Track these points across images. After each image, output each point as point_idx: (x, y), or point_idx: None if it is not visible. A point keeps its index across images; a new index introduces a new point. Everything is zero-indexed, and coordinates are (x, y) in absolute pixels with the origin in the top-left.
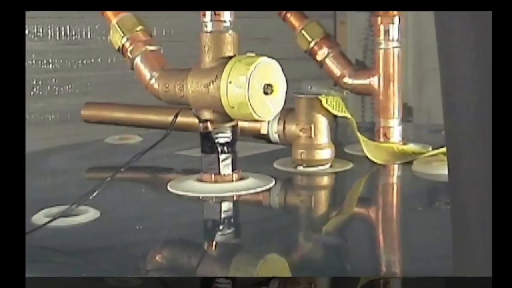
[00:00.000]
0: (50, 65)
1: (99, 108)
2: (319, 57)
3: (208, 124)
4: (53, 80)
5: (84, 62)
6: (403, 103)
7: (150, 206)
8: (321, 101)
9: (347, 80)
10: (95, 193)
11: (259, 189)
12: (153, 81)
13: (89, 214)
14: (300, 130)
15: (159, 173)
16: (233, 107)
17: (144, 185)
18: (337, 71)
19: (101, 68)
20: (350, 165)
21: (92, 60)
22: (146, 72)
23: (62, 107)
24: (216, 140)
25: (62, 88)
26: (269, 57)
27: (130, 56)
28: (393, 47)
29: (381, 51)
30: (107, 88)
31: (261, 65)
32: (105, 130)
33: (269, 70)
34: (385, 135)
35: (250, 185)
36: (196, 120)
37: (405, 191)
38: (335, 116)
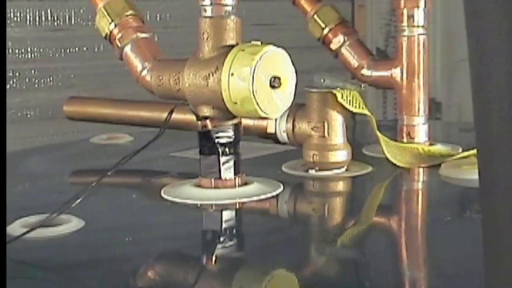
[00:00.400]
0: (29, 55)
1: (84, 104)
2: (334, 45)
3: (207, 121)
4: (32, 71)
5: (68, 51)
6: (429, 98)
7: (141, 214)
8: (335, 96)
9: (365, 72)
10: (79, 200)
11: (265, 196)
12: (145, 72)
13: (72, 223)
14: (312, 128)
15: (151, 177)
16: (236, 103)
17: (135, 191)
18: (354, 61)
19: (86, 58)
20: (368, 169)
21: (77, 49)
22: (137, 63)
23: (42, 102)
24: (216, 140)
25: (42, 81)
26: (277, 46)
27: (119, 44)
28: (418, 34)
29: (405, 39)
30: (93, 80)
31: (268, 55)
32: (91, 129)
33: (276, 60)
34: (408, 134)
35: (255, 191)
36: (194, 117)
37: (432, 198)
38: (352, 113)
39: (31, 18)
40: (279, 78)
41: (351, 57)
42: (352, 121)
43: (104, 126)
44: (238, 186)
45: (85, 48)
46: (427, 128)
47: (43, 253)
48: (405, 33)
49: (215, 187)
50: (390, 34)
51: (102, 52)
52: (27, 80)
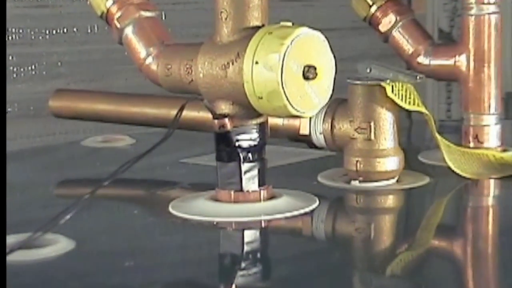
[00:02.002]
0: (7, 37)
1: (75, 98)
2: (383, 27)
3: (226, 121)
4: (10, 57)
5: (54, 32)
6: (502, 93)
7: (144, 234)
8: (385, 90)
9: (422, 59)
10: (68, 216)
11: (296, 213)
12: (149, 60)
13: (60, 245)
14: (355, 129)
15: (157, 188)
16: (261, 98)
17: (137, 206)
18: (408, 47)
19: (77, 41)
20: (425, 180)
21: (65, 30)
22: (140, 48)
23: (22, 97)
24: (237, 144)
25: (22, 70)
26: (312, 27)
27: (118, 25)
28: (489, 13)
29: (472, 19)
30: (85, 69)
31: (300, 39)
32: (83, 129)
33: (311, 46)
34: (476, 137)
35: (284, 207)
36: (209, 116)
37: (505, 218)
38: (406, 111)
39: None
40: (314, 68)
41: (405, 42)
42: (408, 120)
43: (98, 125)
44: (264, 200)
45: (75, 29)
46: (499, 130)
47: (24, 279)
48: (473, 11)
49: (235, 201)
50: (456, 13)
51: (96, 35)
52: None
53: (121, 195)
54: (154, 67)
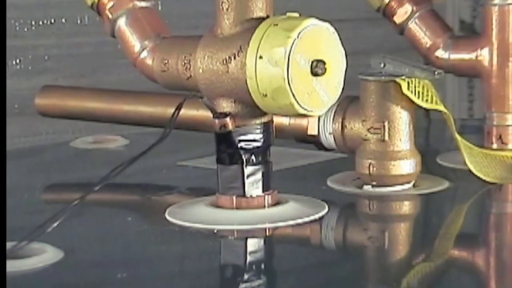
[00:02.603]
0: None
1: (63, 95)
2: (398, 18)
3: (228, 120)
4: None
5: (41, 23)
6: None
7: (139, 244)
8: (400, 86)
9: (441, 53)
10: (56, 224)
11: (304, 220)
12: (144, 54)
13: (47, 255)
14: (368, 129)
15: (153, 193)
16: (266, 95)
17: (131, 212)
18: (426, 39)
19: (65, 33)
20: (444, 185)
21: (53, 21)
22: (134, 41)
23: (7, 93)
24: (239, 145)
25: (6, 64)
26: (321, 19)
27: (110, 16)
28: None
29: (495, 9)
30: (75, 64)
31: (308, 32)
32: (72, 129)
33: (320, 38)
34: (500, 138)
35: (290, 214)
36: (209, 115)
37: None
38: (425, 110)
39: None
40: (323, 63)
41: (422, 34)
42: (426, 120)
43: (89, 125)
44: (268, 206)
45: (63, 20)
46: None
47: None
48: (496, 0)
49: (238, 208)
50: (479, 1)
51: (87, 26)
52: None
53: (114, 201)
54: (149, 61)
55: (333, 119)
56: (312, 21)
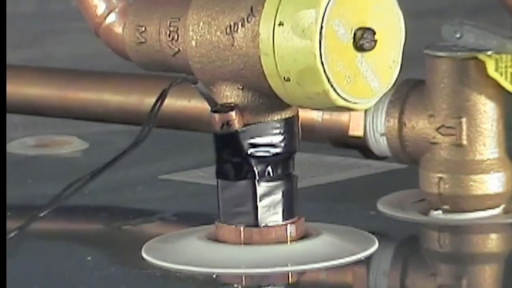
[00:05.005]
0: None
1: None
2: None
3: (233, 115)
4: None
5: None
6: None
7: None
8: (485, 66)
9: None
10: None
11: (344, 261)
12: (112, 18)
13: None
14: (438, 129)
15: (124, 221)
16: (288, 79)
17: (92, 248)
18: None
19: None
20: None
21: None
22: (96, 0)
23: None
24: (250, 151)
25: None
26: None
27: None
28: None
29: None
30: (8, 30)
31: None
32: (8, 125)
33: None
34: None
35: (323, 252)
36: (206, 107)
37: None
38: None
39: None
40: (372, 32)
41: None
42: None
43: (30, 120)
44: (292, 241)
45: None
46: None
47: None
48: None
49: (247, 243)
50: None
51: None
52: None
53: (66, 233)
54: (118, 29)
55: (387, 114)
56: None
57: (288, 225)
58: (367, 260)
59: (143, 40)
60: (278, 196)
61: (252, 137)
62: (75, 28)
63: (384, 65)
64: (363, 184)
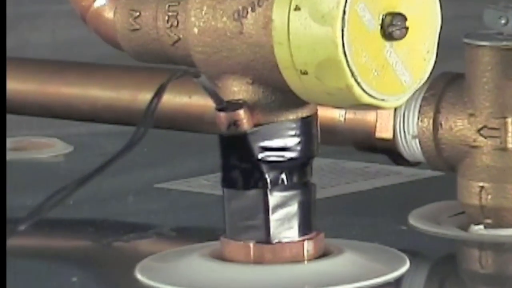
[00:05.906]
0: None
1: None
2: None
3: (241, 113)
4: None
5: None
6: None
7: None
8: None
9: None
10: None
11: (370, 283)
12: (101, 1)
13: None
14: (479, 130)
15: (115, 236)
16: (306, 72)
17: (78, 268)
18: None
19: None
20: None
21: None
22: None
23: None
24: (261, 156)
25: None
26: None
27: None
28: None
29: None
30: None
31: None
32: None
33: None
34: None
35: (346, 272)
36: (209, 104)
37: None
38: None
39: None
40: (403, 18)
41: None
42: None
43: (10, 120)
44: (310, 259)
45: None
46: None
47: None
48: None
49: (258, 262)
50: None
51: None
52: None
53: (49, 249)
54: (108, 13)
55: (420, 113)
56: None
57: (305, 242)
58: (397, 283)
59: (137, 26)
60: (293, 208)
61: (264, 140)
62: (58, 12)
63: (417, 56)
64: (392, 195)
